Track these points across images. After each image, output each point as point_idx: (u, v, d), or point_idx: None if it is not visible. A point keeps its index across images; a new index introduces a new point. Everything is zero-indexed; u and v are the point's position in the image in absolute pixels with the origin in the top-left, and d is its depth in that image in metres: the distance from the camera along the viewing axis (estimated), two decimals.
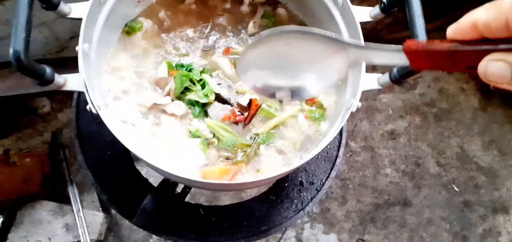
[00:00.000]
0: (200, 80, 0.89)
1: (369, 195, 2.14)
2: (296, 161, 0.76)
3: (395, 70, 0.69)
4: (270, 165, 0.78)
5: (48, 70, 0.63)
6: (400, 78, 0.68)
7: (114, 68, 0.86)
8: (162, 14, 0.97)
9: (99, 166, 0.89)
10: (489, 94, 2.39)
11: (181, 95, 0.88)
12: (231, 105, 0.88)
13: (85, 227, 1.77)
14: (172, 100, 0.86)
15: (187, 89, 0.88)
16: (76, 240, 1.75)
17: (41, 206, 1.78)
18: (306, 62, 0.53)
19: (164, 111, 0.84)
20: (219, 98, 0.88)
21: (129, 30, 0.93)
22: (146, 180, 0.93)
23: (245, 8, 1.01)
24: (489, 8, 0.39)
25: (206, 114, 0.87)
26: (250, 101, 0.86)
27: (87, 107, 0.66)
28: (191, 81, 0.89)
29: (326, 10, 0.86)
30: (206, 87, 0.88)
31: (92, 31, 0.75)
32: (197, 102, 0.88)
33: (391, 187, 2.17)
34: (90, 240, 1.75)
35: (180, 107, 0.86)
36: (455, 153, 2.27)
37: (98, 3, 0.76)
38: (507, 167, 2.26)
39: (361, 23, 0.76)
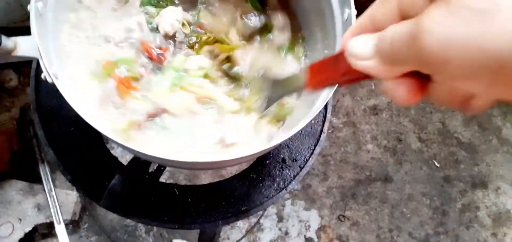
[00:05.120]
0: None
1: (350, 171, 2.12)
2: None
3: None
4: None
5: None
6: None
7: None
8: None
9: (62, 143, 0.81)
10: None
11: None
12: None
13: (58, 207, 1.68)
14: None
15: None
16: (48, 220, 1.67)
17: (10, 186, 1.69)
18: None
19: None
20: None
21: None
22: (115, 158, 0.85)
23: None
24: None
25: None
26: None
27: (42, 76, 0.58)
28: None
29: None
30: None
31: None
32: None
33: (372, 163, 2.15)
34: (64, 220, 1.67)
35: None
36: (436, 128, 2.26)
37: None
38: (486, 142, 2.27)
39: None
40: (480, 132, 2.28)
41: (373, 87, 2.29)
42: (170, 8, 0.84)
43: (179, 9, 0.85)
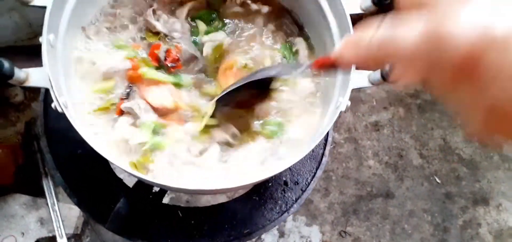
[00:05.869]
0: None
1: (352, 187, 2.12)
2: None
3: (387, 66, 0.65)
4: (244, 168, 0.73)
5: (6, 64, 0.56)
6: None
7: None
8: None
9: (69, 165, 0.82)
10: None
11: None
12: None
13: (61, 221, 1.70)
14: None
15: None
16: (51, 234, 1.68)
17: (14, 200, 1.70)
18: None
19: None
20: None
21: None
22: (120, 180, 0.87)
23: None
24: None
25: None
26: None
27: (53, 105, 0.60)
28: None
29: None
30: None
31: (58, 20, 0.68)
32: None
33: (374, 179, 2.16)
34: (66, 234, 1.68)
35: None
36: (438, 144, 2.27)
37: None
38: (487, 159, 2.27)
39: (351, 15, 0.71)
40: (481, 149, 2.29)
41: (374, 103, 2.31)
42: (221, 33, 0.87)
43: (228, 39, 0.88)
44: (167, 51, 0.81)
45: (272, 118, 0.80)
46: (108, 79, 0.78)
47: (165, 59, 0.81)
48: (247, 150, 0.76)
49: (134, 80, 0.79)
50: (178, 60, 0.82)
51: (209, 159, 0.70)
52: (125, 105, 0.76)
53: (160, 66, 0.82)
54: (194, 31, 0.87)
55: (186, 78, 0.83)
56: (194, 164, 0.71)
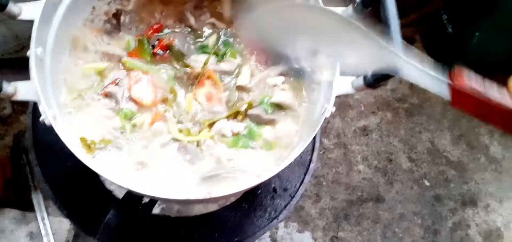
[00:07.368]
0: None
1: (342, 192, 2.14)
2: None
3: (369, 73, 0.66)
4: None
5: None
6: (375, 82, 0.65)
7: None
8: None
9: (58, 178, 0.83)
10: None
11: None
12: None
13: (51, 235, 1.68)
14: None
15: None
16: None
17: (3, 214, 1.68)
18: (329, 41, 0.51)
19: None
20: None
21: None
22: (109, 192, 0.87)
23: None
24: None
25: None
26: None
27: (40, 119, 0.61)
28: None
29: None
30: None
31: (46, 33, 0.69)
32: None
33: (364, 183, 2.17)
34: None
35: None
36: (426, 148, 2.29)
37: (52, 3, 0.70)
38: (475, 160, 2.31)
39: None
40: (468, 151, 2.32)
41: (362, 108, 2.33)
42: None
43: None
44: (159, 40, 0.86)
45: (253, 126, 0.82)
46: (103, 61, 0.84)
47: (154, 47, 0.86)
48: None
49: (127, 68, 0.84)
50: (167, 49, 0.86)
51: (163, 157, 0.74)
52: (110, 89, 0.79)
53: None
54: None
55: (168, 70, 0.87)
56: (144, 162, 0.74)
